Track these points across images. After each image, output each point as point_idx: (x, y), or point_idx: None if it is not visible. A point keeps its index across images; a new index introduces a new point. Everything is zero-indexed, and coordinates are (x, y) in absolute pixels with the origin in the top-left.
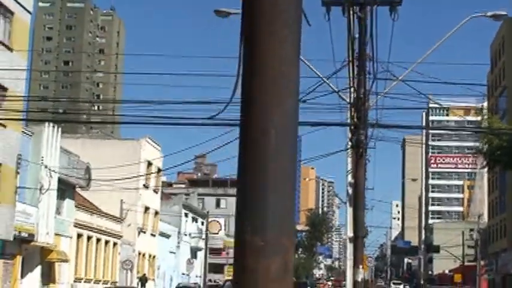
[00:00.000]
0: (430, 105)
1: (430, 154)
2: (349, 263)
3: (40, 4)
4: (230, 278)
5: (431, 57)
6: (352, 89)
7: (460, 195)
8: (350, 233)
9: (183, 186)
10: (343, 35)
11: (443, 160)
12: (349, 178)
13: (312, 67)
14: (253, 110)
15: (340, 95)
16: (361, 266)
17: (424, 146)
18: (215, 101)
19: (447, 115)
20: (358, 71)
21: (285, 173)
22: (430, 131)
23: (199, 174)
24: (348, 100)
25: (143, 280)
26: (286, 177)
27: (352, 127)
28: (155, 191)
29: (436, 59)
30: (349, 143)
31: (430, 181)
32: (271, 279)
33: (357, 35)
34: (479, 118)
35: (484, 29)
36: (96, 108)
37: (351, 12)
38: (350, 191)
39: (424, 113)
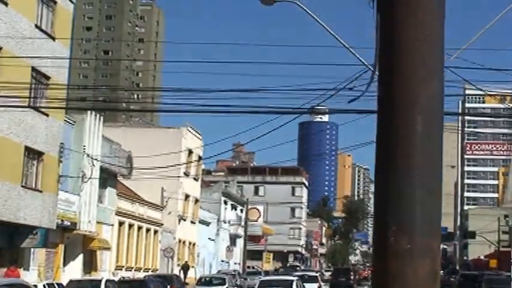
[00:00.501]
0: (467, 92)
1: (465, 141)
2: None
3: None
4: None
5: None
6: None
7: (495, 182)
8: None
9: (222, 174)
10: None
11: (479, 147)
12: None
13: (356, 55)
14: (396, 93)
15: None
16: None
17: (460, 132)
18: (253, 88)
19: (483, 102)
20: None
21: (432, 164)
22: (466, 117)
23: (237, 162)
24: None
25: (185, 268)
26: (434, 169)
27: None
28: (195, 179)
29: (483, 44)
30: None
31: (466, 168)
32: (419, 286)
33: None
34: None
35: None
36: (135, 96)
37: None
38: None
39: (460, 101)
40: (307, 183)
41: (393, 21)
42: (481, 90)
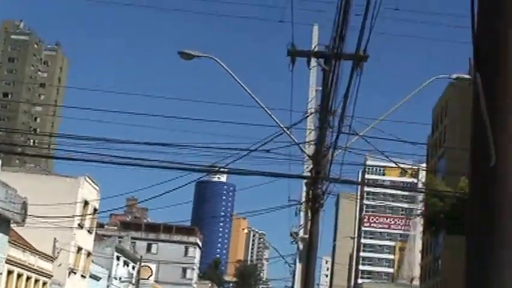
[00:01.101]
0: (367, 162)
1: (364, 212)
2: None
3: None
4: None
5: (395, 115)
6: (312, 142)
7: (391, 257)
8: None
9: (115, 228)
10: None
11: (377, 220)
12: (301, 233)
13: (273, 116)
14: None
15: (301, 147)
16: None
17: (358, 203)
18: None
19: (383, 174)
20: (320, 124)
21: None
22: (365, 189)
23: (130, 217)
24: (307, 152)
25: None
26: None
27: (309, 181)
28: (89, 232)
29: (400, 116)
30: (298, 198)
31: (362, 240)
32: None
33: (320, 88)
34: (415, 180)
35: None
36: (32, 142)
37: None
38: (301, 246)
39: (360, 171)
40: (200, 244)
41: None
42: (393, 162)
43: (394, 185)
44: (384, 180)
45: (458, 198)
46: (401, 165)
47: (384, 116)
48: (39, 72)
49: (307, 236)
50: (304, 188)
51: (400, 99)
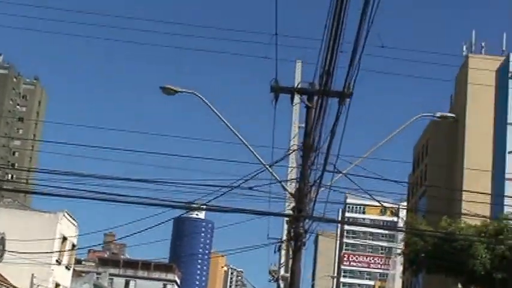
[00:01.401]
0: (347, 201)
1: (343, 251)
2: None
3: None
4: None
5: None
6: (294, 180)
7: None
8: None
9: (93, 264)
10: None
11: (356, 258)
12: (282, 271)
13: (255, 153)
14: None
15: (283, 185)
16: None
17: (338, 242)
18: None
19: (363, 213)
20: (302, 162)
21: None
22: (345, 227)
23: (108, 253)
24: (289, 190)
25: None
26: None
27: (291, 219)
28: (67, 268)
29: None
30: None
31: (342, 279)
32: None
33: (302, 125)
34: (395, 219)
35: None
36: (10, 177)
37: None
38: (282, 285)
39: (340, 209)
40: (178, 282)
41: None
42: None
43: (375, 224)
44: (364, 219)
45: (440, 238)
46: (384, 204)
47: (369, 153)
48: (18, 106)
49: (288, 275)
50: (286, 226)
51: (379, 136)
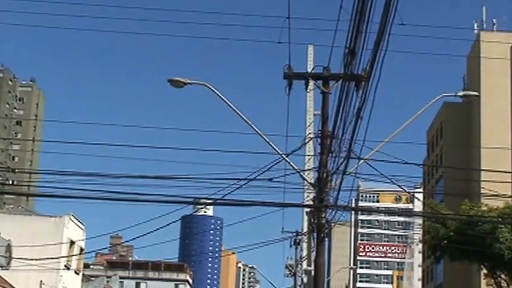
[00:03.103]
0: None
1: (358, 241)
2: None
3: None
4: None
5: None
6: (314, 169)
7: (389, 286)
8: None
9: (101, 267)
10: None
11: (373, 248)
12: (304, 265)
13: (271, 143)
14: None
15: (302, 175)
16: None
17: (353, 232)
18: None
19: (377, 201)
20: (321, 149)
21: None
22: (359, 217)
23: (115, 256)
24: (309, 180)
25: None
26: None
27: (311, 209)
28: (76, 273)
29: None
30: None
31: (359, 270)
32: None
33: (317, 111)
34: (410, 206)
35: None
36: (10, 182)
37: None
38: (305, 279)
39: (353, 199)
40: (190, 281)
41: None
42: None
43: (396, 211)
44: (378, 207)
45: (462, 222)
46: (407, 189)
47: (391, 138)
48: (15, 110)
49: (311, 268)
50: (306, 218)
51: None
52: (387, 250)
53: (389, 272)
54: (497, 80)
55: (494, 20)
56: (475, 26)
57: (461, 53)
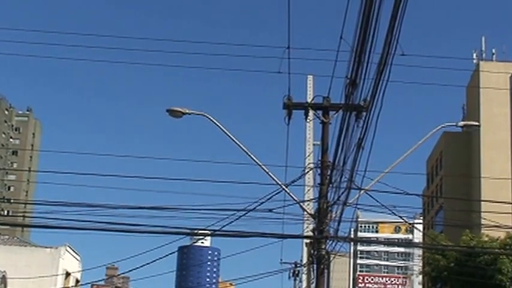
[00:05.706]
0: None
1: (357, 272)
2: None
3: None
4: None
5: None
6: (313, 200)
7: None
8: None
9: None
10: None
11: (372, 279)
12: None
13: (270, 174)
14: None
15: (302, 206)
16: None
17: (352, 263)
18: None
19: (376, 232)
20: (321, 180)
21: None
22: (358, 247)
23: (111, 287)
24: (309, 211)
25: None
26: None
27: (311, 240)
28: None
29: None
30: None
31: None
32: None
33: (317, 142)
34: (409, 236)
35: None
36: (6, 213)
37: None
38: None
39: (352, 229)
40: None
41: None
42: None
43: (397, 242)
44: (377, 238)
45: (463, 253)
46: (406, 220)
47: (391, 168)
48: (11, 139)
49: None
50: (305, 249)
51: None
52: (387, 281)
53: None
54: (497, 110)
55: (494, 50)
56: (474, 56)
57: (460, 83)
